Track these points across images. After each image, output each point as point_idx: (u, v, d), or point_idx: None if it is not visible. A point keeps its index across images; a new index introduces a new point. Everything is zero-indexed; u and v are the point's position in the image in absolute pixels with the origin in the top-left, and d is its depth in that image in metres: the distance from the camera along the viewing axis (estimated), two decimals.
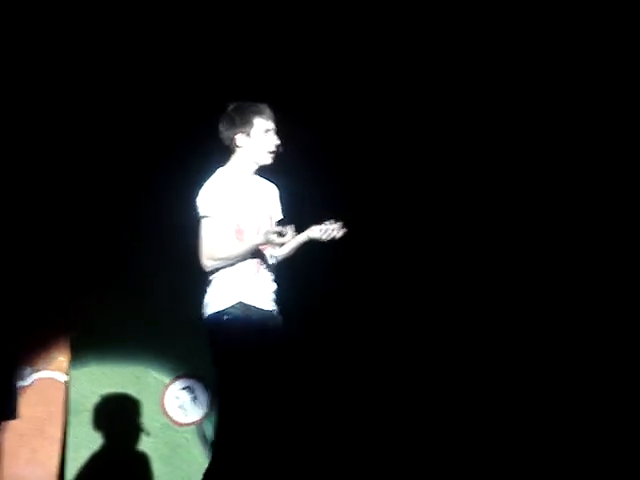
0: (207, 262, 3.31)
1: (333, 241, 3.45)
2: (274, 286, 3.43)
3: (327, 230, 3.38)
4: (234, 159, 3.43)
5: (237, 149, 3.41)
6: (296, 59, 5.13)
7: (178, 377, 4.81)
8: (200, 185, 3.40)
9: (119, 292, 4.85)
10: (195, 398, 4.79)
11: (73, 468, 4.72)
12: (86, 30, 4.94)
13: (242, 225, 3.35)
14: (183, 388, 4.78)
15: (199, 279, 3.59)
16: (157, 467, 4.63)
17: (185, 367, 4.84)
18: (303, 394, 3.74)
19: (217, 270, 3.34)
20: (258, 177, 3.55)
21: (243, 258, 3.30)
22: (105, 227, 4.96)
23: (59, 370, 4.69)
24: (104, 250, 4.98)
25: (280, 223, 3.44)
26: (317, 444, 4.63)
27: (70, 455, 4.68)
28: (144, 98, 5.05)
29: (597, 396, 4.58)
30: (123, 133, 5.04)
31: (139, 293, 4.88)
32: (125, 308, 4.81)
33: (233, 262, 3.31)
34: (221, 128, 3.42)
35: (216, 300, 3.30)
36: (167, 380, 4.82)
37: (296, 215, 3.61)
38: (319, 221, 3.55)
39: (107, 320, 4.73)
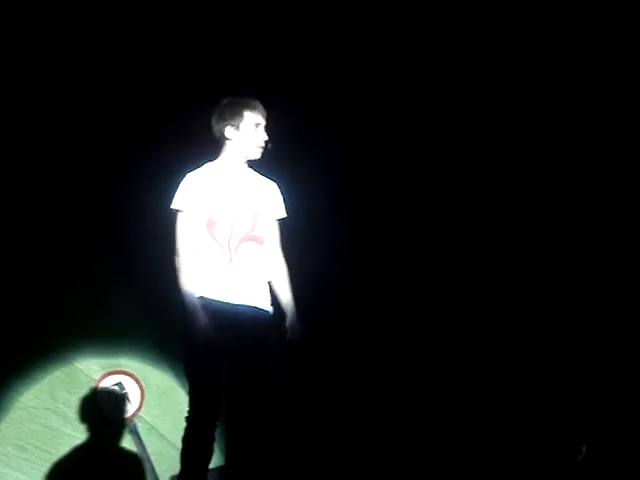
0: (175, 257, 3.39)
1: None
2: (255, 279, 3.50)
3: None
4: (223, 152, 3.53)
5: (226, 142, 3.50)
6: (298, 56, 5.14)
7: (108, 374, 4.82)
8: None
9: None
10: (126, 394, 4.82)
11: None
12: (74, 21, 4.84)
13: (214, 217, 3.45)
14: (114, 384, 4.81)
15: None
16: (95, 463, 4.62)
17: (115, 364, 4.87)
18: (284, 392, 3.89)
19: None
20: (252, 172, 3.62)
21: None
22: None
23: None
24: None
25: (282, 221, 3.56)
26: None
27: None
28: (138, 92, 5.01)
29: (597, 396, 4.57)
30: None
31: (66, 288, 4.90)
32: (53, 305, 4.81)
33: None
34: (212, 121, 3.51)
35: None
36: (97, 377, 4.83)
37: (302, 213, 3.71)
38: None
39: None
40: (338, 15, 5.14)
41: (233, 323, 3.43)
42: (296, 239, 3.85)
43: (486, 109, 5.33)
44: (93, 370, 4.80)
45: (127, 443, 4.74)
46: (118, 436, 4.68)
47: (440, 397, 4.89)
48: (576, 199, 5.15)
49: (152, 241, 4.45)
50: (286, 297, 3.59)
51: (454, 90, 5.28)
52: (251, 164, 3.64)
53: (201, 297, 3.41)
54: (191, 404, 3.47)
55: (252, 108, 3.57)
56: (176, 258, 3.46)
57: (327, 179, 5.08)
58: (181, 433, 3.48)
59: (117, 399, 4.76)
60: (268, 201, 3.63)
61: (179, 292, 3.45)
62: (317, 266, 4.81)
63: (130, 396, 4.79)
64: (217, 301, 3.43)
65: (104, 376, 4.78)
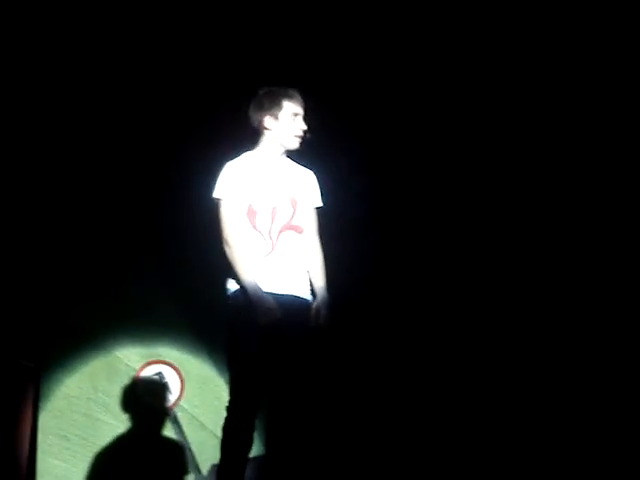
0: (224, 246, 3.40)
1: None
2: (296, 268, 3.49)
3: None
4: (262, 142, 3.52)
5: (265, 131, 3.49)
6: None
7: (148, 363, 4.87)
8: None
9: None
10: (166, 384, 4.87)
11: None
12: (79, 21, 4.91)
13: (255, 207, 3.44)
14: (155, 374, 4.86)
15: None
16: (136, 452, 4.68)
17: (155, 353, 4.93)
18: (317, 385, 3.85)
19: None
20: (290, 161, 3.61)
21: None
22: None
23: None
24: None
25: (319, 210, 3.55)
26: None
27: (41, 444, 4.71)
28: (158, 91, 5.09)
29: (597, 396, 4.52)
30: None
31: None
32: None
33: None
34: (250, 111, 3.50)
35: (227, 282, 3.40)
36: (137, 367, 4.88)
37: (339, 203, 3.71)
38: (360, 210, 3.76)
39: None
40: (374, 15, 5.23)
41: (285, 307, 3.40)
42: (333, 230, 3.88)
43: (489, 106, 5.33)
44: (134, 360, 4.88)
45: (168, 432, 4.80)
46: (159, 425, 4.74)
47: (444, 395, 4.92)
48: (574, 199, 5.13)
49: (191, 232, 4.51)
50: (320, 285, 3.57)
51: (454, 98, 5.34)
52: (290, 154, 3.66)
53: (249, 283, 3.38)
54: (232, 393, 3.47)
55: (291, 97, 3.57)
56: (226, 247, 3.44)
57: (364, 174, 5.14)
58: (221, 422, 3.50)
59: (158, 388, 4.82)
60: (306, 190, 3.63)
61: (229, 280, 3.45)
62: (350, 256, 4.86)
63: (170, 385, 4.86)
64: (274, 291, 3.41)
65: (144, 366, 4.87)
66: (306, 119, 3.57)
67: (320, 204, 3.65)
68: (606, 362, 4.71)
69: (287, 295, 3.43)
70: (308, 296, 3.56)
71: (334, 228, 3.89)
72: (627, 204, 5.01)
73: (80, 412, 4.69)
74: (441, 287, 5.31)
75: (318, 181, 3.71)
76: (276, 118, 3.53)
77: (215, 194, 3.46)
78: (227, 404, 3.45)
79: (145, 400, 4.73)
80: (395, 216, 5.49)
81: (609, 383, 4.64)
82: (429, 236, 5.36)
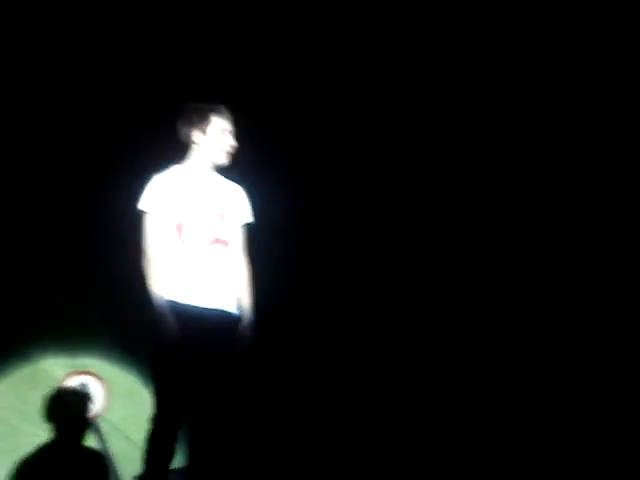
0: (142, 258, 3.46)
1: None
2: (223, 282, 3.57)
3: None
4: (190, 156, 3.61)
5: (193, 146, 3.57)
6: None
7: (73, 374, 4.91)
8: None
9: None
10: (90, 394, 4.92)
11: None
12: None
13: (182, 220, 3.52)
14: (79, 384, 4.90)
15: None
16: (58, 461, 4.71)
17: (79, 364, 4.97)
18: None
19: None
20: (218, 176, 3.70)
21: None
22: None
23: None
24: None
25: (248, 226, 3.64)
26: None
27: None
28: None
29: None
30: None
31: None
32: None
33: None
34: (179, 124, 3.59)
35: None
36: (62, 377, 4.91)
37: (269, 218, 3.79)
38: (289, 222, 3.83)
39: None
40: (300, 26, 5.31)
41: (202, 326, 3.50)
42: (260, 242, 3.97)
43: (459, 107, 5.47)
44: (58, 370, 4.91)
45: (91, 443, 4.85)
46: (82, 436, 4.79)
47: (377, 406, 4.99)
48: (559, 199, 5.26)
49: (118, 243, 4.55)
50: (245, 305, 3.67)
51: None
52: (218, 169, 3.74)
53: (171, 301, 3.49)
54: (156, 406, 3.54)
55: (219, 113, 3.67)
56: (143, 259, 3.52)
57: (290, 184, 5.21)
58: (145, 434, 3.56)
59: (81, 398, 4.88)
60: (234, 205, 3.72)
61: (146, 294, 3.53)
62: (279, 267, 4.94)
63: (94, 396, 4.92)
64: (186, 304, 3.50)
65: (68, 376, 4.91)
66: (234, 135, 3.69)
67: (249, 219, 3.75)
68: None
69: (214, 309, 3.52)
70: (234, 310, 3.65)
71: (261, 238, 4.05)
72: (617, 203, 5.08)
73: (2, 421, 4.72)
74: (369, 295, 5.37)
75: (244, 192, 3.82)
76: (204, 133, 3.62)
77: (140, 206, 3.54)
78: (150, 416, 3.53)
79: (69, 410, 4.78)
80: (320, 225, 5.58)
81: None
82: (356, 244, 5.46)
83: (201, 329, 3.48)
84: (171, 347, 3.43)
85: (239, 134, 3.79)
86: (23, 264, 4.94)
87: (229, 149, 3.66)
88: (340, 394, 5.23)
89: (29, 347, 4.86)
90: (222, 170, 3.74)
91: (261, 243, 3.90)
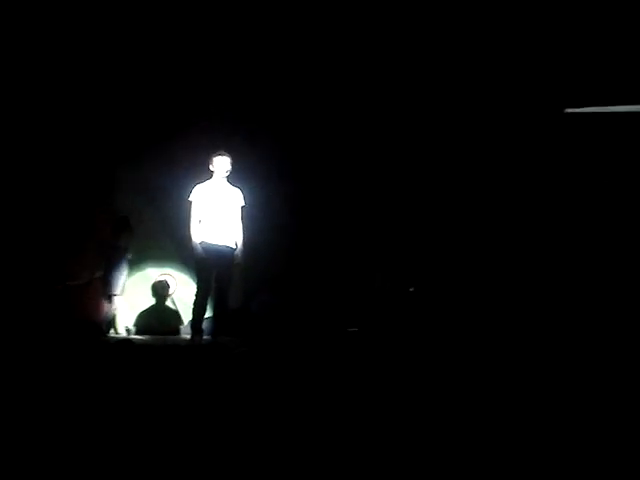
0: (190, 223, 7.85)
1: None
2: (228, 233, 7.69)
3: None
4: (211, 175, 7.91)
5: (211, 170, 7.93)
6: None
7: (160, 275, 9.66)
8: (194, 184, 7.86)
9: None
10: (168, 284, 9.68)
11: None
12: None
13: (209, 205, 7.74)
14: (163, 279, 9.67)
15: None
16: (156, 314, 9.46)
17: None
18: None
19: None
20: (226, 182, 7.81)
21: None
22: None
23: None
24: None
25: (243, 207, 7.95)
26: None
27: None
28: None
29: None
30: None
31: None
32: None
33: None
34: (208, 162, 7.89)
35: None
36: (155, 276, 9.62)
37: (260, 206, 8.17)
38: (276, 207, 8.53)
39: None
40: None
41: (216, 251, 7.61)
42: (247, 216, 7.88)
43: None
44: (154, 273, 9.61)
45: (170, 305, 9.57)
46: (165, 302, 9.55)
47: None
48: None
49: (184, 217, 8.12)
50: (238, 242, 7.93)
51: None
52: (227, 178, 7.84)
53: (202, 241, 7.68)
54: (197, 286, 7.83)
55: (221, 155, 7.95)
56: (191, 223, 7.66)
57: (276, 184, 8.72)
58: (192, 300, 7.82)
59: (165, 286, 9.56)
60: (236, 197, 7.81)
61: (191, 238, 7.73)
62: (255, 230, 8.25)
63: (171, 285, 9.58)
64: (208, 242, 7.65)
65: (159, 276, 9.61)
66: (230, 162, 7.79)
67: (243, 204, 7.86)
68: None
69: (222, 245, 7.72)
70: (233, 245, 7.80)
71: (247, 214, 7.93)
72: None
73: (133, 296, 9.27)
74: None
75: (241, 191, 7.90)
76: (213, 165, 7.81)
77: (190, 198, 7.81)
78: (195, 293, 8.03)
79: (160, 291, 9.44)
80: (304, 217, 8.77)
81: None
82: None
83: (216, 252, 7.62)
84: (201, 261, 7.67)
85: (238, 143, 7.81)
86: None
87: (227, 173, 7.80)
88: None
89: (142, 265, 9.44)
90: (227, 179, 7.77)
91: (247, 216, 7.91)
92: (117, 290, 8.74)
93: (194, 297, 7.81)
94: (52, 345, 6.30)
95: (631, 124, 6.59)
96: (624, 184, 6.85)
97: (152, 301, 9.55)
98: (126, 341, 6.90)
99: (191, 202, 7.77)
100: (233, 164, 7.86)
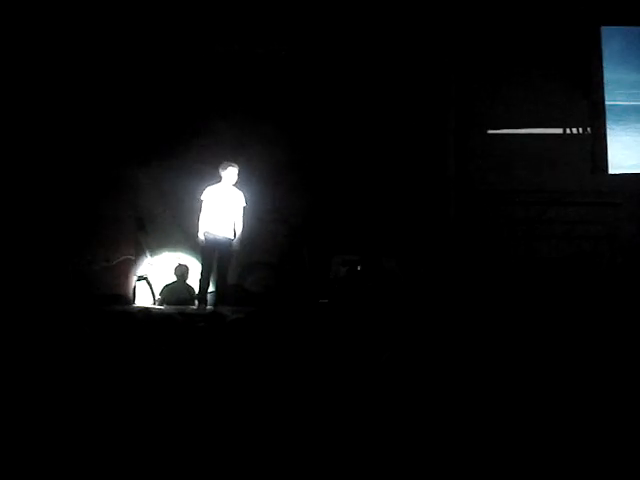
0: (199, 217, 10.55)
1: None
2: (229, 225, 10.24)
3: None
4: (221, 180, 10.42)
5: (221, 177, 10.43)
6: None
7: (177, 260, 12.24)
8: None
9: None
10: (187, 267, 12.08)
11: None
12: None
13: (216, 204, 10.31)
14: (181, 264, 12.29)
15: None
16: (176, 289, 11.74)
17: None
18: None
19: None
20: (233, 187, 10.28)
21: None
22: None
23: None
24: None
25: (244, 207, 10.42)
26: None
27: None
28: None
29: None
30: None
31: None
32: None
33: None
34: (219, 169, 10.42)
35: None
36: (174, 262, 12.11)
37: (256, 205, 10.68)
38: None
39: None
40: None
41: (216, 241, 10.25)
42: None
43: None
44: (172, 259, 12.07)
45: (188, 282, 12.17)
46: (186, 279, 12.05)
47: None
48: None
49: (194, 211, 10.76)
50: (237, 233, 10.37)
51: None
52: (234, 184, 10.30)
53: (206, 232, 10.44)
54: (201, 264, 10.67)
55: (232, 166, 10.74)
56: (200, 217, 10.21)
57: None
58: (199, 276, 10.61)
59: (183, 268, 11.80)
60: (238, 198, 10.18)
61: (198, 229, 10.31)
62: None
63: (189, 267, 11.63)
64: (211, 233, 10.29)
65: (176, 261, 12.19)
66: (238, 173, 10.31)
67: (244, 204, 10.24)
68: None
69: (222, 235, 10.36)
70: (231, 236, 10.40)
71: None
72: None
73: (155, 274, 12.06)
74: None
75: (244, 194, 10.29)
76: (223, 172, 10.32)
77: (201, 197, 10.32)
78: (199, 271, 11.08)
79: (179, 272, 11.92)
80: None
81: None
82: None
83: (215, 241, 10.21)
84: (204, 247, 10.41)
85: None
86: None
87: (235, 180, 10.28)
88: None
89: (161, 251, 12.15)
90: (233, 185, 10.22)
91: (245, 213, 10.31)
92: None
93: (199, 275, 10.48)
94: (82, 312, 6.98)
95: None
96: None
97: (173, 280, 11.73)
98: (145, 309, 9.30)
99: (202, 201, 10.27)
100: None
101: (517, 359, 4.28)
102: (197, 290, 10.53)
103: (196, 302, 10.73)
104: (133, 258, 11.58)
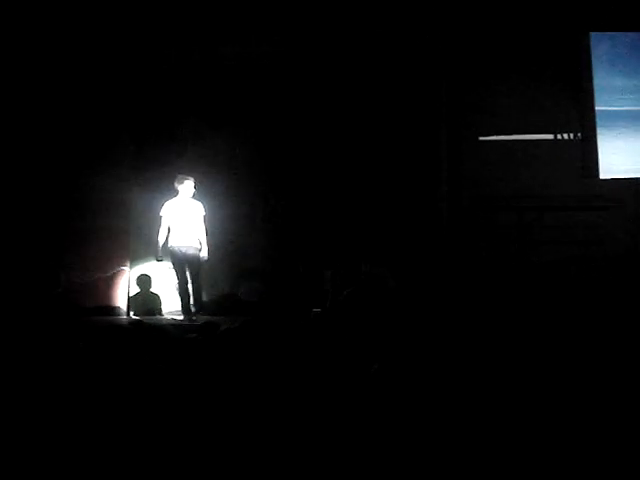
0: (160, 231, 9.92)
1: None
2: (193, 237, 9.84)
3: None
4: (178, 193, 9.98)
5: (178, 190, 9.99)
6: None
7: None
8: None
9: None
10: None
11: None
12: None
13: (176, 218, 9.84)
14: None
15: None
16: None
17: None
18: None
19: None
20: (191, 198, 9.91)
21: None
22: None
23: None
24: None
25: (204, 216, 9.98)
26: None
27: None
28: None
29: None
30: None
31: None
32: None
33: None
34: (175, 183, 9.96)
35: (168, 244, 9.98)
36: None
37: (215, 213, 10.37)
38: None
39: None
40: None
41: (185, 253, 9.79)
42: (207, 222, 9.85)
43: None
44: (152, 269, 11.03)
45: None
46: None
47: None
48: None
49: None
50: (203, 243, 9.80)
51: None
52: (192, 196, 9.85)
53: (170, 245, 9.83)
54: (176, 280, 10.07)
55: (187, 179, 10.37)
56: (159, 232, 9.77)
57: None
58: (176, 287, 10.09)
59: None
60: (198, 209, 9.78)
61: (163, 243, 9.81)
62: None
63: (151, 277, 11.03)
64: (177, 245, 9.84)
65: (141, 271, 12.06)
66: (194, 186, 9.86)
67: (204, 213, 9.83)
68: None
69: (189, 246, 9.82)
70: (199, 246, 9.83)
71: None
72: None
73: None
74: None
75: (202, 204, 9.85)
76: (179, 186, 9.88)
77: (160, 213, 9.86)
78: (176, 284, 10.28)
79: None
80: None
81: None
82: None
83: (183, 253, 9.77)
84: (174, 260, 9.91)
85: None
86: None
87: (192, 193, 9.89)
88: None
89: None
90: (191, 196, 9.84)
91: (208, 222, 9.84)
92: None
93: (176, 288, 10.41)
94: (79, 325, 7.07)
95: None
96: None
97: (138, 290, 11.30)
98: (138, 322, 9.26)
99: (161, 217, 10.18)
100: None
101: (511, 365, 4.20)
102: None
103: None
104: (127, 270, 11.34)
